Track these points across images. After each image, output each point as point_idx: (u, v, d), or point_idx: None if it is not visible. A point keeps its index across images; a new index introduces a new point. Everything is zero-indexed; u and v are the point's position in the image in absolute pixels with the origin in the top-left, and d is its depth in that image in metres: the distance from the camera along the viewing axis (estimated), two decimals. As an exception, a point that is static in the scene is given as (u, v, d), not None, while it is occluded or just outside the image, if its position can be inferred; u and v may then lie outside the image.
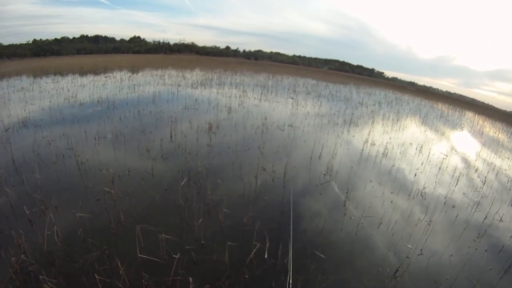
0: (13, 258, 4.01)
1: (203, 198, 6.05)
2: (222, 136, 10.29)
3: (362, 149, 11.11)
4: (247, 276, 4.27)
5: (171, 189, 6.32)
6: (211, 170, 7.44)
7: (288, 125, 12.98)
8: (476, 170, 11.82)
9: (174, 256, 4.36)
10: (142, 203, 5.74)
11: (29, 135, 9.14)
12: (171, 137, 9.63)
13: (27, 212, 5.08)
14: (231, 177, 7.28)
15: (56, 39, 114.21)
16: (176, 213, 5.55)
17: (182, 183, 6.50)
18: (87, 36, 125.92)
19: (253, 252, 4.66)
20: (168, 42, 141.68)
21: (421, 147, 13.20)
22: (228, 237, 4.90)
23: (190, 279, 3.89)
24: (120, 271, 3.93)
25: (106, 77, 24.41)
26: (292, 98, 21.57)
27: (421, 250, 5.66)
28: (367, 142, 12.25)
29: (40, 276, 3.78)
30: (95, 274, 3.80)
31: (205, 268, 4.31)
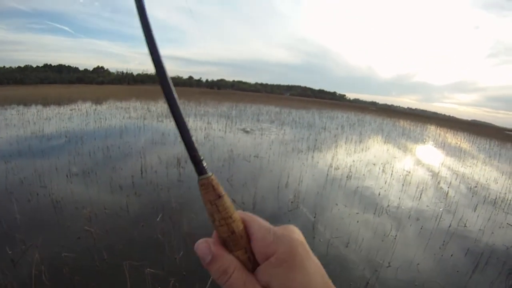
0: None
1: (179, 232, 6.26)
2: (190, 170, 10.39)
3: (327, 174, 11.53)
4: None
5: (148, 225, 6.49)
6: (184, 205, 7.64)
7: (254, 156, 13.32)
8: (439, 182, 12.58)
9: None
10: (122, 240, 5.91)
11: None
12: (141, 173, 9.77)
13: (9, 252, 5.16)
14: (203, 211, 7.46)
15: (19, 67, 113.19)
16: (156, 247, 5.74)
17: (157, 219, 6.70)
18: (50, 65, 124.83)
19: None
20: (132, 73, 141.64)
21: (384, 166, 13.78)
22: (194, 271, 5.15)
23: None
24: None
25: (71, 110, 24.33)
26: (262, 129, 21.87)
27: (389, 262, 6.11)
28: (332, 166, 12.72)
29: None
30: None
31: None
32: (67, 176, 9.14)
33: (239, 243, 0.59)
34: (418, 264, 6.22)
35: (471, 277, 6.05)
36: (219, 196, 0.62)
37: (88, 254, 5.37)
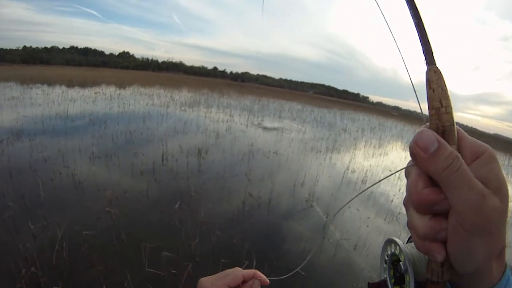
0: (23, 270, 4.30)
1: (196, 220, 6.45)
2: (211, 161, 10.71)
3: (343, 176, 11.63)
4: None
5: (166, 211, 6.70)
6: (202, 195, 7.83)
7: (273, 152, 13.47)
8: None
9: (173, 271, 4.82)
10: (140, 223, 6.15)
11: (24, 149, 9.46)
12: (162, 160, 10.00)
13: (32, 227, 5.40)
14: (221, 202, 7.67)
15: (46, 47, 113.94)
16: (173, 233, 5.95)
17: (176, 206, 6.88)
18: (77, 47, 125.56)
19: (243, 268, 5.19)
20: (157, 60, 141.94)
21: (401, 173, 13.71)
22: (220, 255, 5.34)
23: None
24: (125, 284, 4.40)
25: (95, 93, 24.66)
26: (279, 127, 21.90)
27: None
28: (348, 169, 12.80)
29: (54, 287, 4.20)
30: (103, 286, 4.25)
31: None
32: (89, 158, 9.42)
33: (455, 136, 0.57)
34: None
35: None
36: (445, 87, 0.59)
37: (107, 234, 5.60)
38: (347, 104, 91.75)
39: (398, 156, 19.18)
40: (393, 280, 0.73)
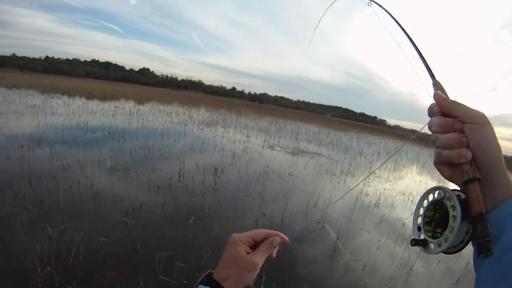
0: (39, 269, 4.53)
1: (209, 236, 6.60)
2: (226, 180, 10.87)
3: (356, 199, 11.67)
4: (246, 303, 4.97)
5: (181, 225, 6.88)
6: (216, 212, 7.99)
7: (288, 174, 13.54)
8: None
9: (185, 281, 5.00)
10: (155, 235, 6.33)
11: (44, 157, 9.81)
12: (179, 176, 10.18)
13: (50, 229, 5.65)
14: (234, 219, 7.81)
15: (67, 59, 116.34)
16: (186, 246, 6.13)
17: (190, 221, 7.07)
18: (98, 61, 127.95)
19: (252, 283, 5.37)
20: (176, 78, 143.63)
21: (414, 197, 13.83)
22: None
23: None
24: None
25: (115, 107, 25.14)
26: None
27: (400, 291, 6.34)
28: (362, 192, 12.85)
29: (68, 286, 4.37)
30: None
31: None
32: (108, 170, 9.69)
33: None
34: (431, 295, 6.47)
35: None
36: None
37: (122, 243, 5.81)
38: (364, 127, 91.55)
39: (413, 180, 19.17)
40: (428, 227, 0.89)
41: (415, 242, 0.87)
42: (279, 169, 14.21)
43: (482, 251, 0.72)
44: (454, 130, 0.81)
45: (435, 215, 0.88)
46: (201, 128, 22.76)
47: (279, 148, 20.32)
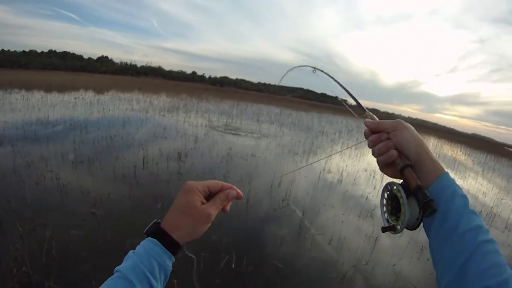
0: (14, 270, 4.48)
1: (177, 220, 6.72)
2: (190, 164, 10.95)
3: (319, 177, 11.98)
4: (218, 281, 5.11)
5: (148, 212, 6.93)
6: (182, 196, 8.06)
7: (251, 155, 13.74)
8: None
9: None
10: (124, 223, 6.38)
11: (6, 155, 9.56)
12: (143, 164, 10.18)
13: (20, 229, 5.57)
14: None
15: (24, 51, 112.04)
16: None
17: (157, 207, 7.16)
18: (55, 51, 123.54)
19: (223, 263, 5.53)
20: (135, 64, 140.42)
21: (375, 173, 14.17)
22: (201, 250, 5.65)
23: (175, 281, 4.60)
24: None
25: (75, 98, 24.57)
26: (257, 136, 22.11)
27: (366, 261, 6.59)
28: (324, 169, 13.17)
29: (46, 283, 4.39)
30: (93, 281, 4.49)
31: (184, 275, 5.06)
32: (72, 162, 9.59)
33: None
34: (394, 265, 6.68)
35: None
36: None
37: (93, 234, 5.83)
38: (326, 107, 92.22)
39: (374, 158, 19.63)
40: (393, 218, 1.05)
41: (385, 229, 1.04)
42: (242, 151, 14.40)
43: (427, 209, 0.90)
44: (381, 141, 1.10)
45: (392, 204, 1.06)
46: (163, 114, 22.63)
47: (241, 131, 20.40)
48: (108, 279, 0.86)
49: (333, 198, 10.03)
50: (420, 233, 8.31)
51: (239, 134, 19.07)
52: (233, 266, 5.52)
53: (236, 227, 7.05)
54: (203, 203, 1.01)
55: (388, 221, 1.07)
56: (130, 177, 8.99)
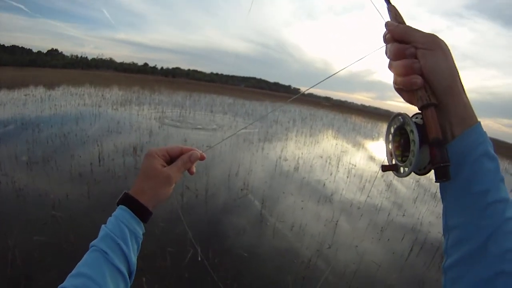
0: None
1: (138, 215, 6.71)
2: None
3: (276, 164, 12.21)
4: (186, 275, 5.19)
5: (108, 210, 6.76)
6: (141, 191, 8.02)
7: (206, 146, 13.80)
8: (383, 175, 13.22)
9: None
10: (86, 224, 6.29)
11: None
12: (99, 160, 10.05)
13: None
14: None
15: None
16: None
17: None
18: (3, 45, 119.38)
19: (188, 256, 5.62)
20: (86, 57, 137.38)
21: (331, 159, 14.57)
22: (166, 245, 5.74)
23: (144, 279, 4.67)
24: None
25: (25, 95, 23.69)
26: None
27: (329, 244, 6.86)
28: (281, 157, 13.43)
29: None
30: None
31: (152, 271, 5.09)
32: (27, 163, 9.28)
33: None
34: (357, 246, 7.00)
35: (407, 258, 6.89)
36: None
37: (56, 238, 5.71)
38: (279, 97, 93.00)
39: (329, 144, 20.11)
40: (398, 152, 0.90)
41: (385, 168, 0.93)
42: (197, 142, 14.55)
43: (440, 176, 0.74)
44: (405, 57, 0.79)
45: (400, 140, 0.90)
46: (115, 108, 22.25)
47: (195, 123, 20.40)
48: (84, 254, 0.92)
49: (291, 186, 10.25)
50: (379, 215, 8.60)
51: (194, 126, 19.03)
52: (199, 258, 5.60)
53: (197, 219, 7.15)
54: (164, 167, 1.06)
55: (391, 155, 0.94)
56: (87, 175, 8.86)
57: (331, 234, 7.29)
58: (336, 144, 20.36)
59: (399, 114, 0.88)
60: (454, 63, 0.77)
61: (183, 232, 6.34)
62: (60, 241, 5.64)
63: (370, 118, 67.65)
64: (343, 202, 9.54)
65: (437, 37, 0.78)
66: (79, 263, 0.89)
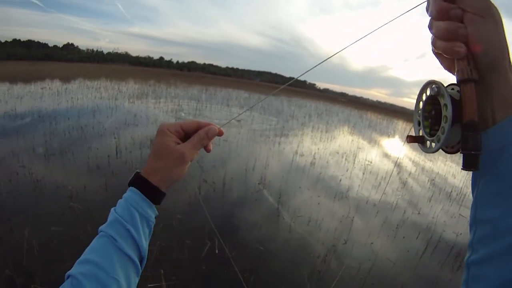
0: None
1: (156, 207, 6.72)
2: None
3: (292, 160, 12.18)
4: (204, 268, 5.20)
5: None
6: (158, 184, 8.05)
7: (223, 140, 13.70)
8: (399, 172, 13.23)
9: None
10: (103, 215, 6.21)
11: None
12: (116, 153, 10.12)
13: None
14: (177, 189, 7.80)
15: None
16: None
17: (135, 196, 7.17)
18: (19, 40, 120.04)
19: (206, 249, 5.64)
20: (102, 51, 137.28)
21: (347, 155, 14.51)
22: (183, 237, 5.77)
23: (162, 271, 4.63)
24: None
25: (42, 88, 23.85)
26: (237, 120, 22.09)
27: (345, 240, 6.84)
28: (297, 153, 13.37)
29: (32, 285, 4.31)
30: None
31: (170, 263, 5.13)
32: (44, 156, 9.36)
33: None
34: (372, 243, 6.95)
35: (421, 257, 6.83)
36: None
37: (73, 229, 5.75)
38: (294, 91, 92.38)
39: (345, 140, 19.98)
40: (426, 123, 0.81)
41: (410, 139, 0.84)
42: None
43: (467, 165, 0.67)
44: (450, 18, 0.68)
45: (431, 111, 0.80)
46: (132, 101, 22.32)
47: (212, 116, 20.49)
48: (93, 240, 0.90)
49: (307, 181, 10.22)
50: (394, 213, 8.57)
51: (211, 119, 18.85)
52: (216, 251, 5.63)
53: (214, 212, 7.17)
54: (178, 143, 0.99)
55: (419, 125, 0.85)
56: (105, 168, 8.92)
57: (347, 230, 7.27)
58: (352, 141, 20.22)
59: (434, 82, 0.77)
60: (505, 37, 0.66)
61: (201, 225, 6.36)
62: (78, 232, 5.67)
63: (386, 114, 67.03)
64: (359, 198, 9.48)
65: (491, 2, 0.66)
66: (87, 249, 0.87)
